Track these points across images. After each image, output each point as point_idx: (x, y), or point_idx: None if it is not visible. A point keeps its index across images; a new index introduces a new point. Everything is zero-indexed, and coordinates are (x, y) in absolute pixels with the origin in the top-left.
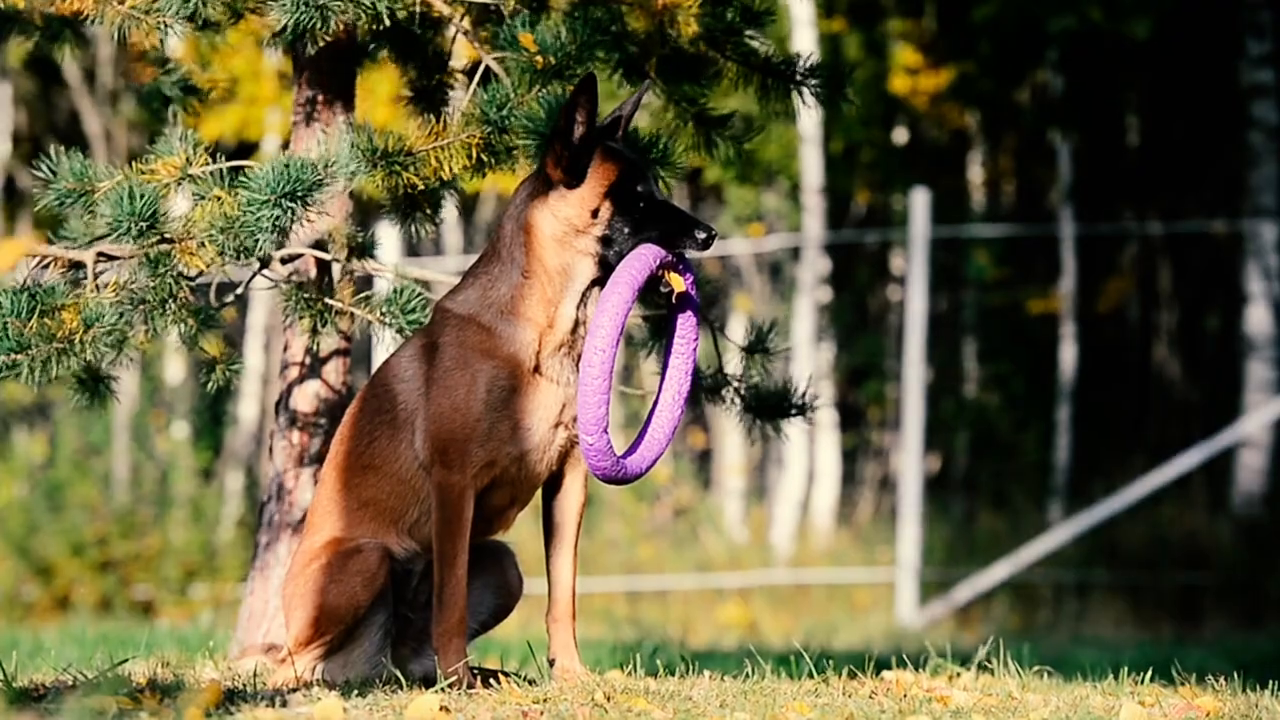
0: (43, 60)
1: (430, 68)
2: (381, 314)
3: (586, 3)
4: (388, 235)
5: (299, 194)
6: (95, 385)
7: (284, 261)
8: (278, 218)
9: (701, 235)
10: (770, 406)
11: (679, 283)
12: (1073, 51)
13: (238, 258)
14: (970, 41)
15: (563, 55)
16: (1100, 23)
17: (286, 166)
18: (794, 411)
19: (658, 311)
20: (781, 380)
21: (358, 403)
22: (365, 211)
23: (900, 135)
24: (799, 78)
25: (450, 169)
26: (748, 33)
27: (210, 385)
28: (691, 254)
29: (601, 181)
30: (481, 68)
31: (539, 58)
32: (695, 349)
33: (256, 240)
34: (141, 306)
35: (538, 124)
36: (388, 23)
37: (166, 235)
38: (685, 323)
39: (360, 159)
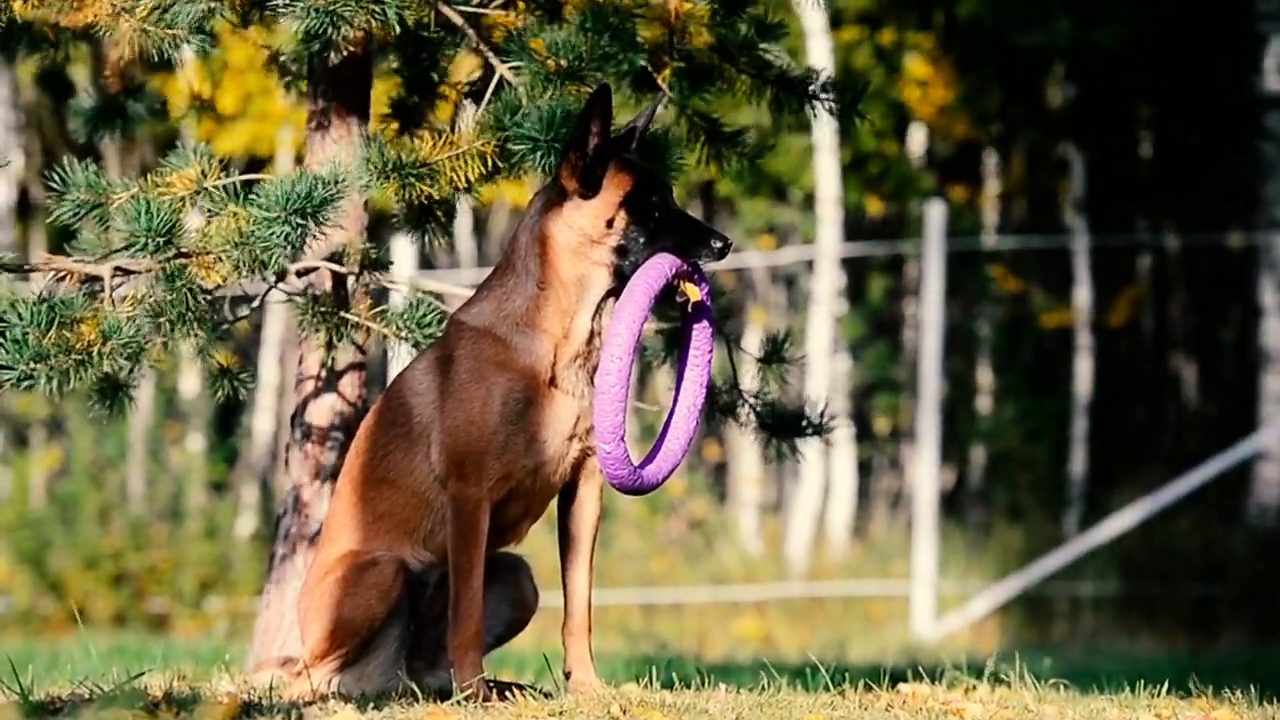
0: (55, 73)
1: (426, 82)
2: (396, 328)
3: (598, 10)
4: (403, 248)
5: (310, 210)
6: (115, 395)
7: (299, 275)
8: (288, 234)
9: (717, 245)
10: (786, 425)
11: (694, 292)
12: (1082, 64)
13: (252, 273)
14: (976, 55)
15: (575, 58)
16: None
17: (295, 183)
18: (810, 431)
19: (672, 324)
20: (797, 395)
21: (373, 416)
22: (380, 224)
23: (913, 147)
24: (813, 92)
25: (465, 178)
26: (762, 45)
27: (219, 395)
28: (707, 264)
29: (617, 191)
30: (496, 79)
31: (551, 61)
32: (710, 360)
33: (270, 255)
34: (160, 320)
35: (537, 128)
36: (397, 30)
37: (183, 250)
38: (700, 333)
39: (373, 172)
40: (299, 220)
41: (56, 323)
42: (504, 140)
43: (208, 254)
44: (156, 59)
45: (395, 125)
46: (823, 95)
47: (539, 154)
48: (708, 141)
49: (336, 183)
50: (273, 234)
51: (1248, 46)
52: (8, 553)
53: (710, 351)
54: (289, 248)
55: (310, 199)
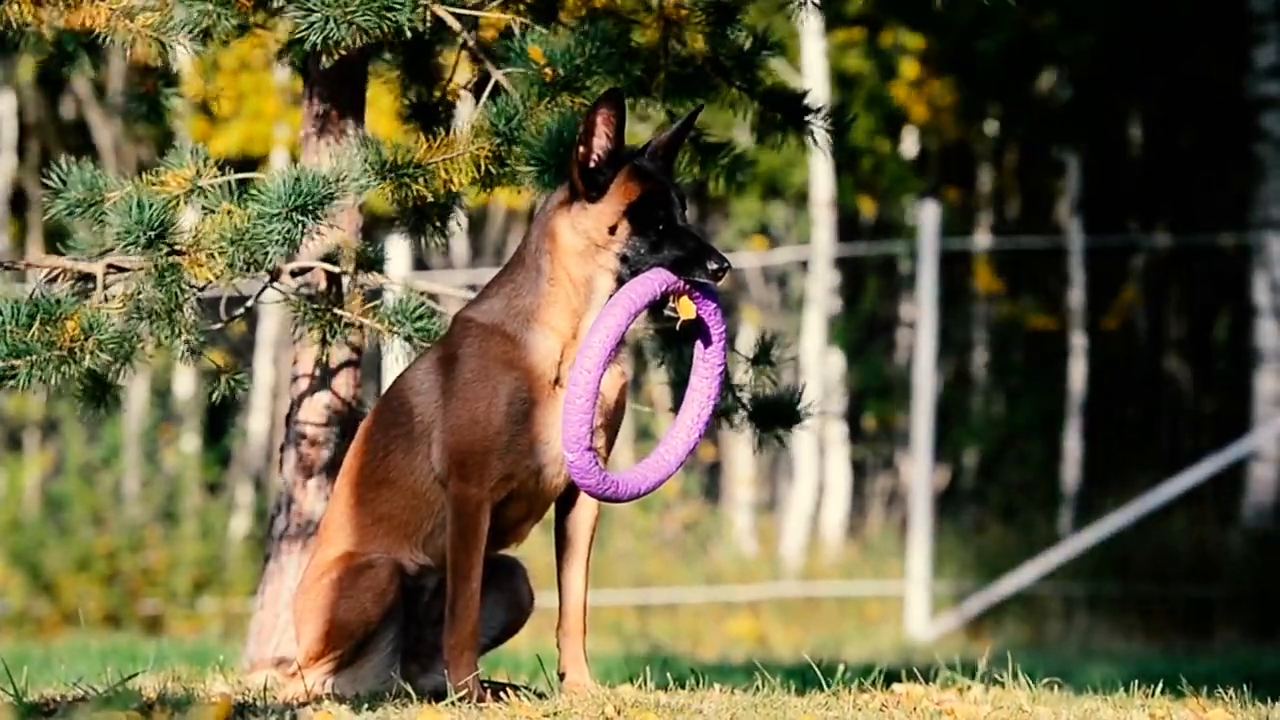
0: (51, 72)
1: (432, 83)
2: (389, 324)
3: (594, 16)
4: (397, 249)
5: (309, 207)
6: (103, 395)
7: (294, 275)
8: (288, 230)
9: (712, 266)
10: (775, 414)
11: (688, 309)
12: (1078, 65)
13: (247, 270)
14: (968, 57)
15: (571, 67)
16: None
17: (297, 180)
18: (798, 417)
19: (668, 323)
20: (786, 388)
21: (372, 417)
22: (375, 225)
23: (908, 148)
24: (802, 115)
25: (459, 181)
26: (759, 58)
27: (215, 396)
28: (703, 281)
29: (622, 200)
30: (491, 84)
31: (548, 70)
32: (719, 377)
33: (266, 253)
34: (150, 319)
35: (544, 151)
36: (409, 35)
37: (176, 247)
38: (706, 349)
39: (370, 172)
40: (299, 217)
41: (40, 319)
42: (499, 145)
43: (201, 251)
44: (160, 64)
45: (407, 127)
46: (811, 120)
47: (545, 175)
48: (694, 149)
49: (337, 180)
50: (271, 230)
51: (1241, 47)
52: (1, 554)
53: (719, 367)
54: (286, 245)
55: (310, 196)
